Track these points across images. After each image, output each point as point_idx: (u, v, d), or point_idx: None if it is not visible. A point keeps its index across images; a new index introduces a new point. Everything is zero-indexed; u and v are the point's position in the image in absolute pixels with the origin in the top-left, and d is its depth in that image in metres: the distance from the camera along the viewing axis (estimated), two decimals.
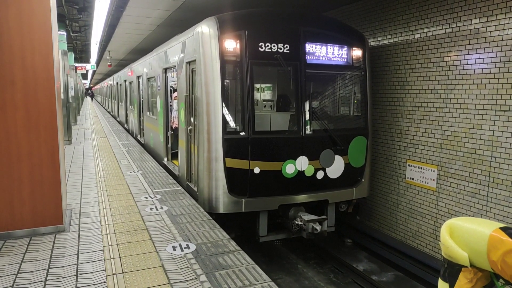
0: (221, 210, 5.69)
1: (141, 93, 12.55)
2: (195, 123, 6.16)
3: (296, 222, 5.84)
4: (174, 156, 8.56)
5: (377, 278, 6.36)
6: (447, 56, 5.98)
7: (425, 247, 6.54)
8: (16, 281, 3.32)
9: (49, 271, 3.50)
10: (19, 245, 4.08)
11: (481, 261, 1.66)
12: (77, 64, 23.29)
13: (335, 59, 6.31)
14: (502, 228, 1.61)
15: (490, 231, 1.61)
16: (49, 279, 3.34)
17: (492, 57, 5.33)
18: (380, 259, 7.02)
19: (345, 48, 6.38)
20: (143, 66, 11.63)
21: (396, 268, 6.68)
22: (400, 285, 6.22)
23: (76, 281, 3.30)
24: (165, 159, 8.88)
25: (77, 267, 3.55)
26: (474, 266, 1.71)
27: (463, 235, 1.70)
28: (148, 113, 11.18)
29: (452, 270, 1.75)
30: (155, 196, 5.92)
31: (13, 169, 4.20)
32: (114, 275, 3.39)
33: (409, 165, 6.82)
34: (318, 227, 5.66)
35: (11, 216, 4.26)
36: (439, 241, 1.74)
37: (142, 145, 12.06)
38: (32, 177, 4.28)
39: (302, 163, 5.96)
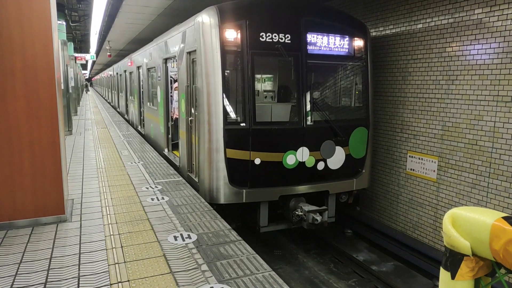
0: (222, 200, 5.70)
1: (141, 83, 12.51)
2: (196, 113, 6.15)
3: (296, 212, 5.87)
4: (175, 146, 8.57)
5: (377, 268, 6.40)
6: (449, 47, 5.94)
7: (425, 238, 6.58)
8: (19, 270, 3.34)
9: (52, 260, 3.52)
10: (21, 234, 4.10)
11: (483, 250, 1.66)
12: (76, 54, 23.19)
13: (336, 49, 6.28)
14: (504, 218, 1.61)
15: (493, 221, 1.61)
16: (51, 268, 3.36)
17: (494, 48, 5.29)
18: (380, 249, 7.07)
19: (347, 38, 6.33)
20: (143, 56, 11.57)
21: (396, 258, 6.73)
22: (399, 275, 6.27)
23: (79, 270, 3.32)
24: (166, 150, 8.88)
25: (79, 257, 3.57)
26: (476, 255, 1.71)
27: (465, 225, 1.71)
28: (148, 103, 11.16)
29: (454, 259, 1.76)
30: (156, 187, 5.93)
31: (14, 159, 4.20)
32: (116, 265, 3.41)
33: (409, 156, 6.82)
34: (319, 218, 5.68)
35: (12, 206, 4.27)
36: (439, 231, 1.75)
37: (143, 135, 12.06)
38: (33, 167, 4.29)
39: (303, 154, 5.96)
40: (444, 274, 1.81)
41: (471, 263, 1.72)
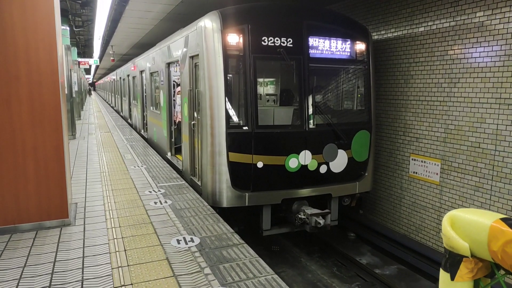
0: (225, 204, 5.72)
1: (144, 87, 12.58)
2: (199, 117, 6.18)
3: (299, 216, 5.86)
4: (178, 150, 8.60)
5: (380, 271, 6.38)
6: (451, 50, 5.95)
7: (428, 241, 6.56)
8: (23, 273, 3.37)
9: (56, 264, 3.54)
10: (25, 238, 4.13)
11: (482, 252, 1.68)
12: (80, 59, 23.29)
13: (338, 53, 6.29)
14: (502, 219, 1.62)
15: (491, 222, 1.63)
16: (55, 272, 3.39)
17: (496, 50, 5.30)
18: (383, 252, 7.04)
19: (349, 42, 6.35)
20: (146, 61, 11.64)
21: (399, 262, 6.70)
22: (403, 278, 6.25)
23: (82, 273, 3.35)
24: (169, 154, 8.92)
25: (83, 260, 3.60)
26: (475, 256, 1.73)
27: (464, 226, 1.72)
28: (151, 107, 11.21)
29: (453, 260, 1.78)
30: (159, 190, 5.96)
31: (19, 164, 4.24)
32: (120, 268, 3.43)
33: (412, 159, 6.82)
34: (321, 221, 5.68)
35: (17, 210, 4.30)
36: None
37: (146, 139, 12.11)
38: (38, 171, 4.32)
39: (306, 157, 5.97)
40: (443, 275, 1.82)
41: (470, 264, 1.74)
